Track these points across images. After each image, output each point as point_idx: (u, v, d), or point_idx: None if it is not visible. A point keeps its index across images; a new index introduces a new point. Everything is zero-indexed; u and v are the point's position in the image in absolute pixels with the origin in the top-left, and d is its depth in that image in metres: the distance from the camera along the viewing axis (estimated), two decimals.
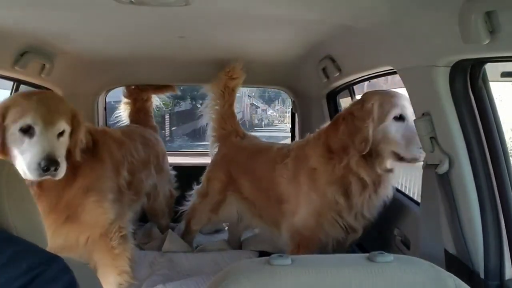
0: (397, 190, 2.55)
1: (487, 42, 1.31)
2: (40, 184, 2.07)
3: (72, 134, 2.14)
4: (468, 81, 1.63)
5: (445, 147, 1.71)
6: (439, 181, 1.74)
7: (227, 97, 3.09)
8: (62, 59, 2.81)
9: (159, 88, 3.53)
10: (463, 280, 1.06)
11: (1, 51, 2.35)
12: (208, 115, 3.19)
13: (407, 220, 2.33)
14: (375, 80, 2.80)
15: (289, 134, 3.94)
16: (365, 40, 2.13)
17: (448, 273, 1.07)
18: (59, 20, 2.13)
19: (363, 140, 2.18)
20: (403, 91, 2.13)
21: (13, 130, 1.99)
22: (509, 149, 1.66)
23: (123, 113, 3.47)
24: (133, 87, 3.44)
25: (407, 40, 1.79)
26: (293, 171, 2.50)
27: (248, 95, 17.93)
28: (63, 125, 2.08)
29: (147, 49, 2.88)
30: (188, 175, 3.24)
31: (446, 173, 1.72)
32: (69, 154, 2.12)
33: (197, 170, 3.16)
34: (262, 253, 2.89)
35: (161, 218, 3.33)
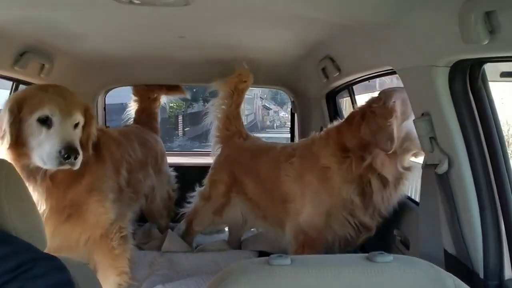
0: None
1: (486, 42, 1.31)
2: (52, 177, 2.08)
3: (84, 127, 2.16)
4: (468, 81, 1.63)
5: (445, 147, 1.71)
6: (438, 181, 1.74)
7: (236, 97, 3.07)
8: (62, 59, 2.81)
9: (169, 89, 3.50)
10: (462, 280, 1.06)
11: (1, 51, 2.35)
12: (213, 114, 3.16)
13: (406, 220, 2.33)
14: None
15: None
16: (364, 40, 2.13)
17: (448, 273, 1.07)
18: (59, 20, 2.13)
19: (389, 138, 2.15)
20: None
21: (30, 121, 2.00)
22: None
23: (132, 111, 3.47)
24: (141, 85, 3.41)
25: (406, 40, 1.79)
26: (299, 170, 2.49)
27: (260, 97, 17.98)
28: (79, 117, 2.10)
29: (146, 49, 2.88)
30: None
31: (446, 173, 1.72)
32: (81, 147, 2.12)
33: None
34: (262, 253, 2.89)
35: (159, 219, 3.33)
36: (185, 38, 2.53)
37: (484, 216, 1.63)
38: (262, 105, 19.39)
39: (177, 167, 3.51)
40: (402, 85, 1.98)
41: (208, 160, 3.44)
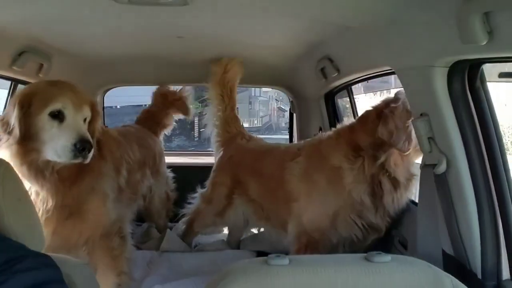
0: None
1: (485, 42, 1.31)
2: (59, 173, 2.08)
3: (90, 122, 2.16)
4: (466, 82, 1.64)
5: (443, 147, 1.71)
6: (436, 181, 1.74)
7: (227, 100, 3.07)
8: (60, 58, 2.80)
9: (179, 109, 3.46)
10: (460, 280, 1.06)
11: None
12: (211, 122, 3.17)
13: (404, 220, 2.33)
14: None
15: None
16: (363, 40, 2.13)
17: (446, 273, 1.07)
18: (57, 20, 2.13)
19: (407, 139, 2.13)
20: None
21: (42, 116, 2.00)
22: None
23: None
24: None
25: (405, 40, 1.79)
26: (305, 169, 2.46)
27: (276, 99, 17.92)
28: (87, 112, 2.11)
29: (144, 49, 2.88)
30: None
31: (444, 173, 1.72)
32: None
33: None
34: (260, 253, 2.89)
35: (157, 219, 3.32)
36: (183, 38, 2.53)
37: (482, 216, 1.63)
38: (277, 107, 19.43)
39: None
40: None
41: None
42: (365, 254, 1.06)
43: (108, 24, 2.26)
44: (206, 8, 1.88)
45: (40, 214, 2.06)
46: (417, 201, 1.99)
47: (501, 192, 1.61)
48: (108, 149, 2.40)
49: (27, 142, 2.00)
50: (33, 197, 2.08)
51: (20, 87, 2.78)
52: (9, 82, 2.76)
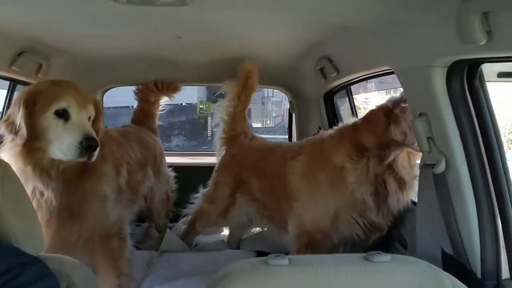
0: None
1: (484, 42, 1.31)
2: (64, 171, 2.08)
3: (94, 121, 2.17)
4: (465, 82, 1.64)
5: (442, 147, 1.72)
6: (435, 181, 1.74)
7: (243, 98, 3.05)
8: (59, 59, 2.80)
9: (166, 89, 3.42)
10: (460, 280, 1.06)
11: None
12: (219, 116, 3.15)
13: (404, 220, 2.33)
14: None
15: None
16: (362, 40, 2.13)
17: (445, 272, 1.07)
18: (56, 20, 2.13)
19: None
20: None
21: (47, 114, 2.00)
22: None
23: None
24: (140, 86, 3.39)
25: (404, 40, 1.79)
26: (306, 168, 2.44)
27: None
28: (92, 110, 2.12)
29: (144, 49, 2.87)
30: None
31: (443, 173, 1.72)
32: None
33: None
34: (260, 253, 2.89)
35: (157, 219, 3.32)
36: (183, 38, 2.53)
37: (481, 216, 1.63)
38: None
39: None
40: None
41: None
42: (365, 254, 1.06)
43: (107, 24, 2.26)
44: (204, 8, 1.87)
45: (43, 214, 2.06)
46: (416, 200, 1.99)
47: (500, 191, 1.61)
48: (109, 149, 2.40)
49: (32, 141, 2.01)
50: (37, 197, 2.08)
51: (19, 87, 2.78)
52: (7, 83, 2.76)
